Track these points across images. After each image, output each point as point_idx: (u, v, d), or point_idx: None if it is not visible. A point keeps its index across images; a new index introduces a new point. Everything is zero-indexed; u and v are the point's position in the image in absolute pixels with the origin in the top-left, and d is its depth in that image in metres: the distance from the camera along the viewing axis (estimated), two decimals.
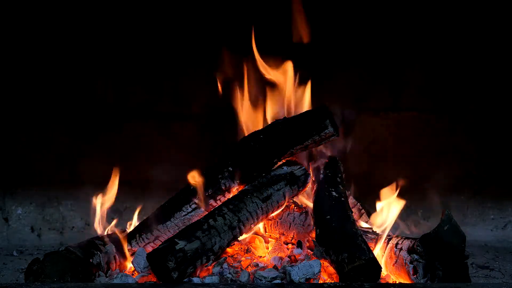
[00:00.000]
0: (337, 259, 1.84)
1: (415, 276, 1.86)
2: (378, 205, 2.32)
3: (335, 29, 3.01)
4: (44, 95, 3.05)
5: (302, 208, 2.27)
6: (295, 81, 2.44)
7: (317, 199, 2.20)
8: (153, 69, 3.07)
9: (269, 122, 2.38)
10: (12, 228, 3.10)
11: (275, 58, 2.51)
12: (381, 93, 3.12)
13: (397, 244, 2.01)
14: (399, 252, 1.97)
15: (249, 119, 2.47)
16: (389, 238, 2.09)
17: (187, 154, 2.95)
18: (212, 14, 2.99)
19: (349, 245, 1.86)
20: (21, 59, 3.02)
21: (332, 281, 1.92)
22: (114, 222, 2.37)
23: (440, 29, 3.04)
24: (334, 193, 2.18)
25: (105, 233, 2.25)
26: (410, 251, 1.92)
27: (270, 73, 2.46)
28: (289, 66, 2.45)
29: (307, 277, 1.86)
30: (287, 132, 2.20)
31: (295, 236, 2.24)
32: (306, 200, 2.36)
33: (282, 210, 2.25)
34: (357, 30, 3.02)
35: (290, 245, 2.23)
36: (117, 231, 2.27)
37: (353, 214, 2.13)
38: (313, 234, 2.12)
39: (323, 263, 1.94)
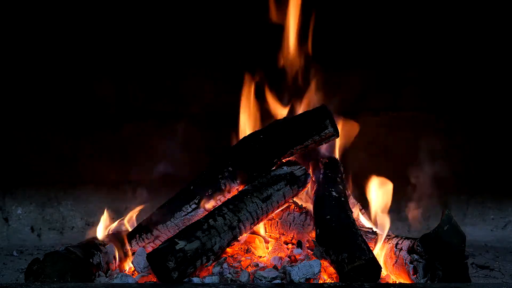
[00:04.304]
0: (337, 259, 1.84)
1: (415, 276, 1.86)
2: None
3: (335, 30, 3.01)
4: (44, 95, 3.05)
5: (302, 208, 2.27)
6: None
7: (317, 199, 2.20)
8: (153, 69, 3.07)
9: None
10: (12, 228, 3.11)
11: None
12: (381, 93, 3.12)
13: (397, 244, 2.01)
14: (399, 252, 1.97)
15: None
16: (389, 238, 2.09)
17: (187, 154, 2.95)
18: (212, 14, 2.99)
19: (349, 245, 1.85)
20: (21, 59, 3.02)
21: (332, 281, 1.92)
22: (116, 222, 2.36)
23: (440, 30, 3.04)
24: (334, 193, 2.18)
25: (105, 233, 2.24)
26: (410, 251, 1.92)
27: None
28: None
29: (307, 277, 1.86)
30: (287, 132, 2.20)
31: (295, 236, 2.24)
32: (306, 200, 2.36)
33: (282, 210, 2.25)
34: (358, 30, 3.02)
35: (290, 245, 2.23)
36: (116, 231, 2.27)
37: (353, 214, 2.13)
38: (313, 234, 2.12)
39: (323, 263, 1.94)
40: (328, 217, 2.03)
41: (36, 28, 2.98)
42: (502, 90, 3.10)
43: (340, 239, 1.92)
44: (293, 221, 2.24)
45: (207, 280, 1.87)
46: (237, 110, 2.52)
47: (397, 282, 1.95)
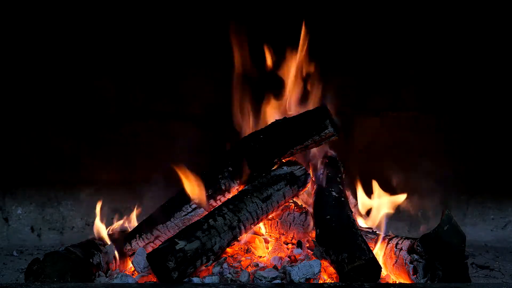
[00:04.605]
0: (337, 259, 1.84)
1: (415, 276, 1.86)
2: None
3: (336, 30, 3.01)
4: (44, 95, 3.05)
5: (302, 208, 2.27)
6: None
7: (317, 199, 2.20)
8: (153, 69, 3.07)
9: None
10: (12, 228, 3.10)
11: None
12: (381, 93, 3.12)
13: (397, 244, 2.01)
14: (399, 252, 1.97)
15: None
16: (389, 238, 2.09)
17: (187, 154, 2.95)
18: (213, 15, 2.99)
19: (349, 245, 1.85)
20: (21, 59, 3.02)
21: (332, 281, 1.92)
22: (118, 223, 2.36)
23: (440, 30, 3.04)
24: (334, 193, 2.18)
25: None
26: (410, 251, 1.92)
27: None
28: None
29: (307, 277, 1.86)
30: (287, 132, 2.20)
31: (295, 236, 2.24)
32: (306, 200, 2.36)
33: (282, 210, 2.25)
34: (358, 30, 3.02)
35: (290, 245, 2.23)
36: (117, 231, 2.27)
37: (353, 214, 2.13)
38: (313, 234, 2.12)
39: (323, 263, 1.94)
40: (328, 217, 2.03)
41: (37, 29, 2.98)
42: (502, 90, 3.09)
43: (340, 239, 1.92)
44: (293, 221, 2.24)
45: (207, 280, 1.87)
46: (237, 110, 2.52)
47: (397, 282, 1.95)
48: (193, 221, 2.08)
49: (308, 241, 2.19)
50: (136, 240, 2.19)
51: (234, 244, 2.12)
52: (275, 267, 1.98)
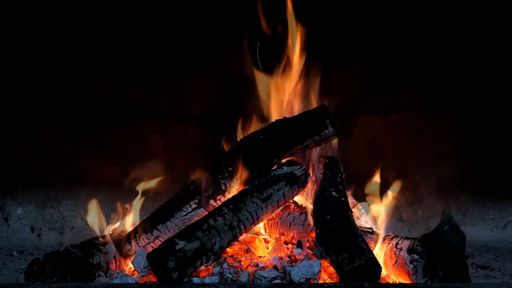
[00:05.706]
0: (337, 259, 1.84)
1: (415, 276, 1.86)
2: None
3: (336, 29, 3.01)
4: (45, 95, 3.06)
5: (302, 208, 2.27)
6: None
7: (317, 199, 2.20)
8: (153, 69, 3.07)
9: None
10: (12, 228, 3.11)
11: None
12: (381, 93, 3.12)
13: (397, 244, 2.01)
14: (399, 252, 1.97)
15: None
16: (389, 238, 2.09)
17: (187, 154, 2.95)
18: (213, 15, 2.99)
19: (349, 245, 1.85)
20: (21, 59, 3.02)
21: (332, 281, 1.92)
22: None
23: (440, 29, 3.04)
24: (334, 193, 2.18)
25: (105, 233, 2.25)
26: (410, 251, 1.92)
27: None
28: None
29: (307, 277, 1.86)
30: (287, 132, 2.20)
31: (295, 236, 2.24)
32: (306, 200, 2.36)
33: (282, 210, 2.26)
34: (358, 29, 3.02)
35: (290, 245, 2.23)
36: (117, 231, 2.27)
37: (353, 214, 2.13)
38: (313, 234, 2.12)
39: (323, 263, 1.94)
40: (328, 217, 2.03)
41: (38, 30, 2.99)
42: (502, 90, 3.09)
43: (340, 239, 1.91)
44: (293, 221, 2.24)
45: (207, 280, 1.87)
46: (237, 110, 2.52)
47: (397, 282, 1.95)
48: (193, 221, 2.08)
49: (308, 241, 2.19)
50: (136, 240, 2.19)
51: (234, 244, 2.12)
52: (275, 267, 1.98)
